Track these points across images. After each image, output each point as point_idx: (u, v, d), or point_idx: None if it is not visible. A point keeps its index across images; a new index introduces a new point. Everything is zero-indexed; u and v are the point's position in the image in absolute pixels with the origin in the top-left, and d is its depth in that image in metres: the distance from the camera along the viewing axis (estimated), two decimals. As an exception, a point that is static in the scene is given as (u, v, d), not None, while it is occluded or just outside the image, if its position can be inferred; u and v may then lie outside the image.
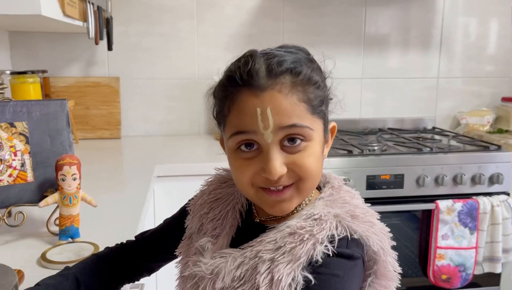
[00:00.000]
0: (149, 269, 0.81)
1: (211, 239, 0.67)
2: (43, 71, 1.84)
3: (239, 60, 0.61)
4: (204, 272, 0.62)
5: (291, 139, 0.58)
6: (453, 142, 2.03)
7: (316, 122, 0.61)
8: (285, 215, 0.65)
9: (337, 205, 0.62)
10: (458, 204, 1.76)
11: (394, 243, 0.63)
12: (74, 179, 0.94)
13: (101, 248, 0.88)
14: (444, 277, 1.80)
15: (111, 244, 0.82)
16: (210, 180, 0.76)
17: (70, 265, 0.76)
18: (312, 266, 0.56)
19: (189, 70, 2.13)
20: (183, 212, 0.76)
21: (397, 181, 1.76)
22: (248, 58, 0.60)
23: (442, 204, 1.76)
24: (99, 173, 1.52)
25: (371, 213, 0.63)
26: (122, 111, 2.10)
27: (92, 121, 2.06)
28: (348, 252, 0.57)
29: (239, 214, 0.70)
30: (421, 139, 2.07)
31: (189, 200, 0.76)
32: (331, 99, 0.65)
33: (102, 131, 2.08)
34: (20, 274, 0.78)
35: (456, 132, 2.22)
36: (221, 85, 0.63)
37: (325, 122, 0.64)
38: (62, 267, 0.81)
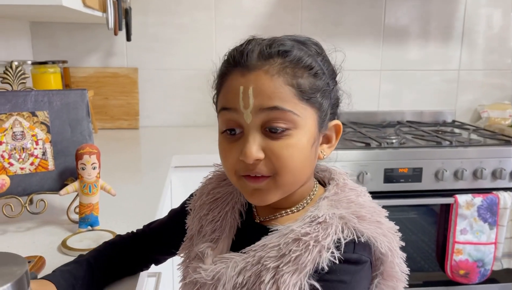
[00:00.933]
0: (156, 260, 0.81)
1: (211, 243, 0.65)
2: (64, 61, 1.87)
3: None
4: (205, 278, 0.61)
5: (273, 127, 0.57)
6: (474, 136, 1.99)
7: (305, 110, 0.58)
8: (286, 215, 0.63)
9: (342, 205, 0.60)
10: (478, 199, 1.73)
11: (403, 244, 0.61)
12: (94, 168, 0.95)
13: (120, 237, 0.89)
14: (462, 272, 1.78)
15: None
16: (209, 177, 0.75)
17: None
18: (318, 273, 0.54)
19: (206, 61, 2.12)
20: (184, 209, 0.74)
21: (416, 174, 1.74)
22: (245, 41, 0.61)
23: (461, 198, 1.73)
24: (118, 162, 1.54)
25: (379, 212, 0.61)
26: (140, 101, 2.11)
27: (110, 111, 2.09)
28: (355, 257, 0.56)
29: (239, 214, 0.68)
30: (440, 132, 2.04)
31: (190, 197, 0.75)
32: (330, 90, 0.62)
33: (121, 121, 2.10)
34: (41, 260, 0.80)
35: (477, 126, 2.18)
36: (218, 68, 0.64)
37: (322, 114, 0.60)
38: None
